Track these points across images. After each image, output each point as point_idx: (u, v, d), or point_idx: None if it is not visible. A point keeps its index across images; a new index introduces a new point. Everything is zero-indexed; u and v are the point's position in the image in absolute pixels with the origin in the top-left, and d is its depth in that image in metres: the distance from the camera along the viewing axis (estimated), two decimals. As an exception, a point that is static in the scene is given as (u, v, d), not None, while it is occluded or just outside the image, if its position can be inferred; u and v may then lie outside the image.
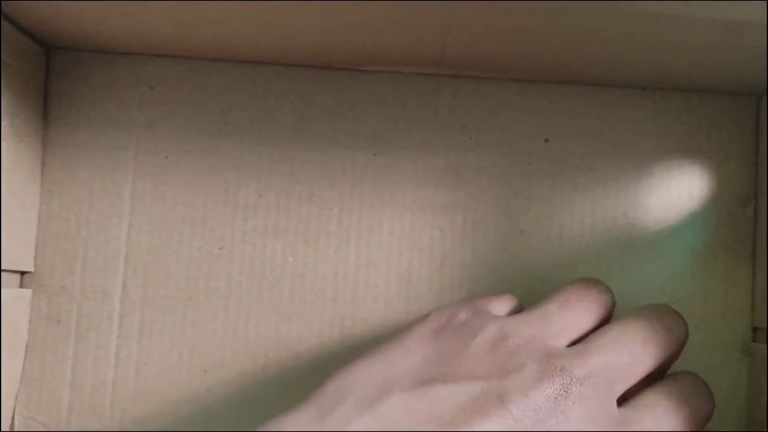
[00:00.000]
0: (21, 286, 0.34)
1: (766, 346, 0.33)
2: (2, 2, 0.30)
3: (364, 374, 0.25)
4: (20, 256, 0.33)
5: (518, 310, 0.30)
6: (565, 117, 0.35)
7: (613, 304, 0.30)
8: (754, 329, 0.34)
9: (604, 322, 0.29)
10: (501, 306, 0.30)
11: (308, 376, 0.34)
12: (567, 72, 0.34)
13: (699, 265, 0.35)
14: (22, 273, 0.34)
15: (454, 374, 0.25)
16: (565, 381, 0.24)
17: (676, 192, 0.35)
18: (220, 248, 0.35)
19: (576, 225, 0.35)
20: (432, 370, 0.25)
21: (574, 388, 0.24)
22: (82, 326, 0.34)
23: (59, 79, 0.35)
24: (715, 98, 0.35)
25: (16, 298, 0.33)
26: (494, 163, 0.35)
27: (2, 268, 0.32)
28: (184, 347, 0.34)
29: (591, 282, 0.30)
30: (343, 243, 0.35)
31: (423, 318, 0.28)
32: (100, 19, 0.31)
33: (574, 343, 0.27)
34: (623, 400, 0.27)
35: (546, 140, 0.35)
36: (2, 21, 0.31)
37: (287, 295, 0.34)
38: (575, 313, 0.28)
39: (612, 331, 0.27)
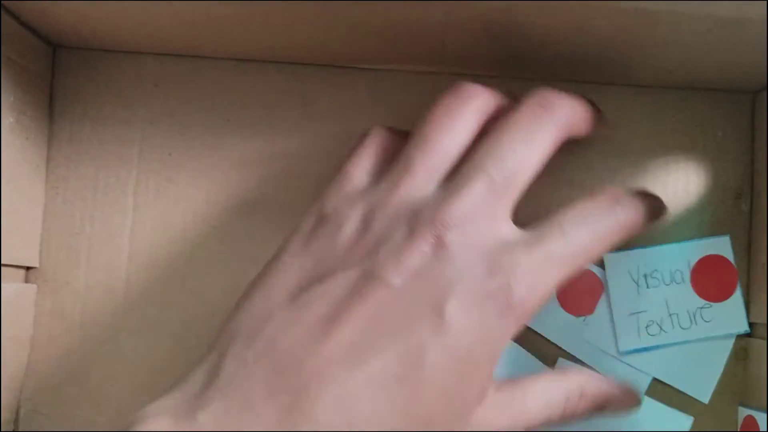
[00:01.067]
0: (26, 282, 0.34)
1: (765, 341, 0.33)
2: (9, 2, 0.30)
3: (248, 308, 0.25)
4: (25, 251, 0.34)
5: (391, 148, 0.28)
6: (562, 114, 0.36)
7: (489, 99, 0.27)
8: (751, 324, 0.35)
9: (491, 119, 0.27)
10: (365, 166, 0.28)
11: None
12: (563, 70, 0.35)
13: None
14: (27, 268, 0.35)
15: (329, 270, 0.24)
16: (437, 231, 0.23)
17: (672, 188, 0.36)
18: (223, 244, 0.35)
19: (573, 221, 0.35)
20: (308, 277, 0.24)
21: (449, 235, 0.23)
22: (87, 321, 0.35)
23: (65, 77, 0.35)
24: (710, 95, 0.36)
25: (21, 293, 0.34)
26: (493, 159, 0.36)
27: (8, 263, 0.32)
28: (186, 342, 0.35)
29: (449, 94, 0.27)
30: (343, 238, 0.35)
31: (297, 225, 0.27)
32: (105, 17, 0.32)
33: (450, 175, 0.26)
34: None
35: (544, 137, 0.36)
36: (9, 19, 0.32)
37: (289, 289, 0.35)
38: (439, 146, 0.26)
39: (482, 148, 0.25)
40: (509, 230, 0.25)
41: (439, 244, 0.23)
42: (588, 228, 0.26)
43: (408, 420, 0.22)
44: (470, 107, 0.27)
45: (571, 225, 0.26)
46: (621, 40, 0.31)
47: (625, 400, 0.28)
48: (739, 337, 0.35)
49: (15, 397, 0.34)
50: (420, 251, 0.23)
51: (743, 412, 0.34)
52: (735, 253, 0.35)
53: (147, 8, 0.30)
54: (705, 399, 0.34)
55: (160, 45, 0.35)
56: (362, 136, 0.30)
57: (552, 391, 0.26)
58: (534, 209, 0.35)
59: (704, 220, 0.35)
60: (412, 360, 0.22)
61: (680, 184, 0.36)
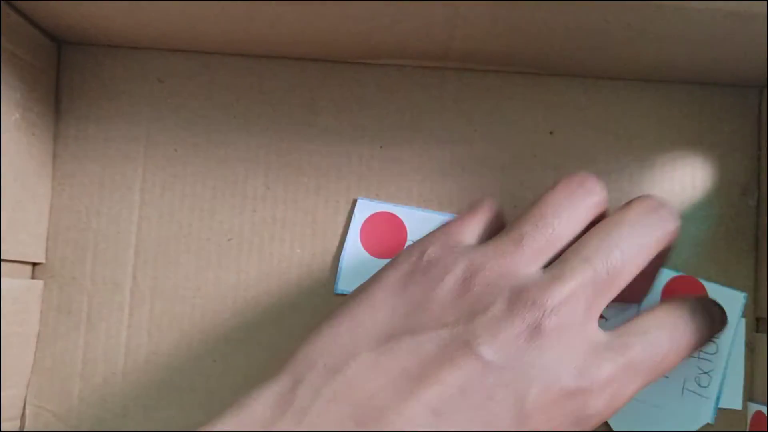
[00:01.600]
0: (32, 277, 0.34)
1: (768, 335, 0.33)
2: (15, -3, 0.30)
3: (332, 336, 0.24)
4: (32, 247, 0.34)
5: (496, 222, 0.28)
6: (569, 110, 0.36)
7: (605, 200, 0.27)
8: (757, 319, 0.35)
9: (597, 220, 0.27)
10: (475, 227, 0.28)
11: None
12: (571, 65, 0.35)
13: (702, 255, 0.35)
14: (34, 264, 0.35)
15: (422, 324, 0.23)
16: (536, 315, 0.23)
17: (679, 183, 0.36)
18: (229, 239, 0.35)
19: (580, 216, 0.35)
20: (399, 323, 0.24)
21: (548, 321, 0.23)
22: (93, 317, 0.35)
23: (70, 74, 0.35)
24: (718, 90, 0.36)
25: (28, 288, 0.34)
26: (499, 155, 0.36)
27: (14, 259, 0.32)
28: (193, 337, 0.35)
29: (574, 183, 0.27)
30: (350, 234, 0.35)
31: (394, 261, 0.27)
32: (110, 14, 0.32)
33: (553, 260, 0.25)
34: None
35: (550, 133, 0.36)
36: (15, 16, 0.31)
37: (295, 285, 0.35)
38: (552, 231, 0.25)
39: (588, 246, 0.25)
40: (598, 330, 0.25)
41: (536, 329, 0.23)
42: (670, 336, 0.26)
43: None
44: (590, 201, 0.27)
45: (657, 334, 0.25)
46: (628, 35, 0.31)
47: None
48: (748, 332, 0.34)
49: (21, 394, 0.34)
50: (516, 331, 0.23)
51: (752, 407, 0.33)
52: (742, 248, 0.35)
53: (152, 4, 0.30)
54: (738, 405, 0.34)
55: (165, 41, 0.35)
56: (473, 203, 0.29)
57: None
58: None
59: (711, 214, 0.35)
60: None
61: (687, 178, 0.36)
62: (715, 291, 0.34)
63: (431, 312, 0.24)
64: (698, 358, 0.33)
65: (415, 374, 0.22)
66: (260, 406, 0.22)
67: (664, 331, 0.25)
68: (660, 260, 0.27)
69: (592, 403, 0.23)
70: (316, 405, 0.22)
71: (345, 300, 0.26)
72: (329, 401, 0.22)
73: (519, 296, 0.23)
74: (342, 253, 0.35)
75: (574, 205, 0.26)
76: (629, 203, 0.27)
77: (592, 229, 0.26)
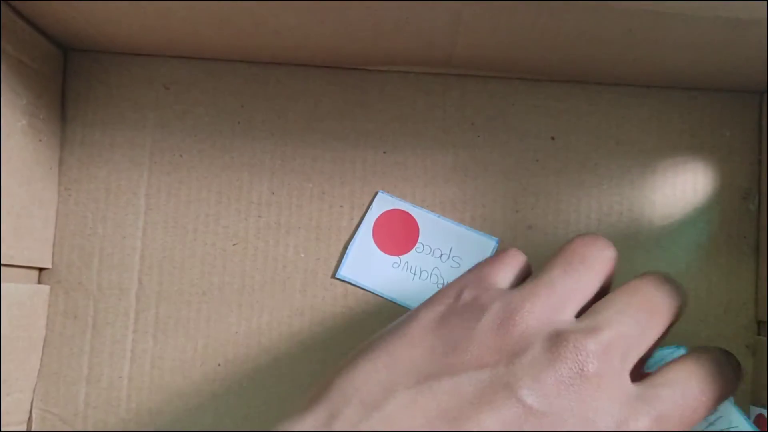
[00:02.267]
0: (39, 282, 0.35)
1: (770, 338, 0.33)
2: (22, 5, 0.31)
3: (369, 371, 0.24)
4: (38, 252, 0.34)
5: (525, 270, 0.29)
6: (570, 115, 0.36)
7: (616, 258, 0.28)
8: (759, 323, 0.35)
9: (609, 278, 0.27)
10: (507, 272, 0.28)
11: (320, 370, 0.35)
12: (573, 71, 0.35)
13: (703, 259, 0.35)
14: (40, 269, 0.35)
15: (461, 364, 0.23)
16: (580, 359, 0.23)
17: (680, 188, 0.36)
18: (234, 245, 0.35)
19: (582, 220, 0.35)
20: (437, 362, 0.23)
21: (590, 366, 0.23)
22: (99, 321, 0.35)
23: (76, 80, 0.36)
24: (719, 96, 0.36)
25: (34, 294, 0.34)
26: (502, 160, 0.36)
27: (21, 264, 0.33)
28: (198, 342, 0.35)
29: (590, 239, 0.27)
30: (353, 239, 0.35)
31: (429, 301, 0.27)
32: (116, 21, 0.32)
33: (581, 311, 0.26)
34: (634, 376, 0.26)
35: (552, 138, 0.36)
36: (22, 23, 0.32)
37: (299, 290, 0.35)
38: (579, 276, 0.26)
39: (619, 302, 0.26)
40: (630, 382, 0.25)
41: (578, 374, 0.23)
42: (700, 389, 0.25)
43: None
44: (608, 254, 0.27)
45: (689, 385, 0.25)
46: (629, 41, 0.31)
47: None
48: (749, 336, 0.35)
49: (27, 398, 0.34)
50: (558, 375, 0.23)
51: (754, 411, 0.34)
52: (742, 252, 0.35)
53: (157, 11, 0.30)
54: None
55: (171, 48, 0.35)
56: (501, 251, 0.30)
57: None
58: (542, 209, 0.36)
59: (712, 219, 0.36)
60: None
61: (688, 183, 0.36)
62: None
63: (470, 351, 0.24)
64: None
65: (454, 415, 0.22)
66: None
67: (695, 383, 0.25)
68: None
69: None
70: None
71: (381, 335, 0.26)
72: None
73: (559, 339, 0.23)
74: (351, 242, 0.35)
75: (594, 256, 0.27)
76: (642, 276, 0.28)
77: (617, 290, 0.27)
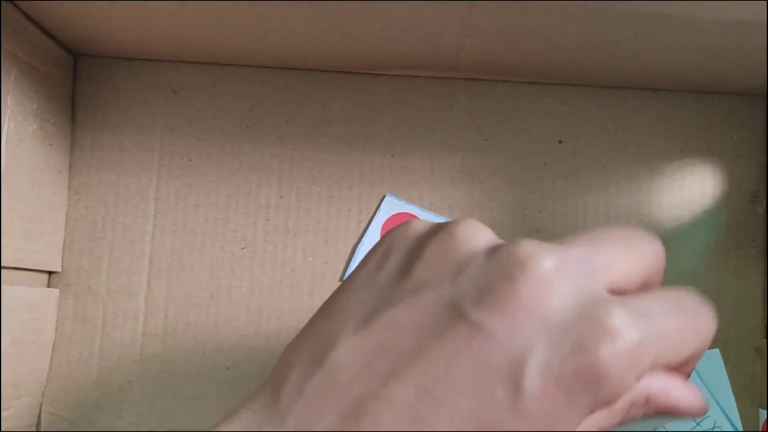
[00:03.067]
0: (48, 286, 0.35)
1: (778, 341, 0.33)
2: (34, 11, 0.31)
3: (311, 332, 0.22)
4: (48, 256, 0.34)
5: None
6: (578, 119, 0.36)
7: (661, 254, 0.23)
8: (767, 326, 0.35)
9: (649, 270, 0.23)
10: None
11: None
12: (579, 74, 0.35)
13: (711, 262, 0.35)
14: (50, 273, 0.35)
15: (401, 292, 0.20)
16: (536, 268, 0.19)
17: (688, 191, 0.36)
18: (242, 248, 0.35)
19: (589, 224, 0.36)
20: (380, 299, 0.21)
21: (553, 277, 0.19)
22: (108, 325, 0.35)
23: (86, 85, 0.36)
24: (725, 99, 0.36)
25: (44, 297, 0.34)
26: (509, 164, 0.36)
27: (31, 268, 0.33)
28: (206, 345, 0.35)
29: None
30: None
31: (373, 246, 0.24)
32: (125, 27, 0.32)
33: None
34: None
35: (560, 141, 0.36)
36: (33, 29, 0.32)
37: (307, 293, 0.35)
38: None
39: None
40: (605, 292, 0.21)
41: (534, 282, 0.19)
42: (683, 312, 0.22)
43: None
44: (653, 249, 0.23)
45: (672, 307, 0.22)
46: (636, 45, 0.31)
47: (691, 409, 0.23)
48: (757, 338, 0.35)
49: (37, 401, 0.34)
50: (509, 286, 0.19)
51: (763, 414, 0.34)
52: (750, 255, 0.35)
53: (166, 17, 0.31)
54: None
55: (179, 53, 0.35)
56: None
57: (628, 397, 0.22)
58: (550, 213, 0.36)
59: (720, 222, 0.36)
60: (485, 425, 0.19)
61: (696, 186, 0.36)
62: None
63: (411, 279, 0.21)
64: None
65: (396, 351, 0.19)
66: (248, 412, 0.21)
67: (678, 308, 0.21)
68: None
69: (600, 378, 0.19)
70: (300, 403, 0.20)
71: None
72: (312, 397, 0.20)
73: (504, 248, 0.20)
74: (359, 245, 0.35)
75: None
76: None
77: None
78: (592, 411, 0.19)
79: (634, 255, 0.22)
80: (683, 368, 0.22)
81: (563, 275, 0.19)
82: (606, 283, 0.21)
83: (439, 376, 0.19)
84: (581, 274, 0.20)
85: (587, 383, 0.19)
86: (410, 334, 0.19)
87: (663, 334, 0.20)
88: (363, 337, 0.20)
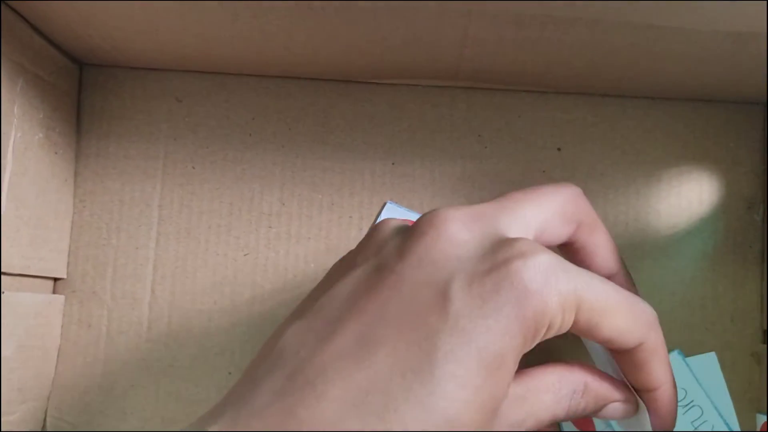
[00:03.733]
0: (54, 292, 0.35)
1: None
2: (39, 21, 0.31)
3: (271, 335, 0.24)
4: (53, 263, 0.35)
5: None
6: (576, 126, 0.37)
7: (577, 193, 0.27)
8: (764, 331, 0.35)
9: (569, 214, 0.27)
10: None
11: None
12: (578, 83, 0.36)
13: (709, 268, 0.36)
14: (55, 279, 0.35)
15: (338, 276, 0.23)
16: (437, 222, 0.23)
17: (686, 198, 0.36)
18: (245, 255, 0.36)
19: (589, 230, 0.36)
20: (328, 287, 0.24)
21: (452, 225, 0.23)
22: (113, 330, 0.35)
23: (91, 94, 0.37)
24: (722, 107, 0.37)
25: (49, 303, 0.34)
26: (509, 171, 0.36)
27: (37, 274, 0.33)
28: (209, 350, 0.35)
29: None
30: (363, 249, 0.36)
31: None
32: (130, 36, 0.33)
33: None
34: None
35: (558, 149, 0.37)
36: (38, 39, 0.33)
37: (309, 299, 0.36)
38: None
39: None
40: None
41: (442, 232, 0.22)
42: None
43: (427, 416, 0.20)
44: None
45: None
46: (633, 54, 0.31)
47: (625, 403, 0.26)
48: (755, 344, 0.35)
49: (42, 406, 0.35)
50: (422, 239, 0.22)
51: (761, 418, 0.34)
52: (748, 261, 0.36)
53: (171, 28, 0.31)
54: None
55: (183, 62, 0.36)
56: None
57: (561, 384, 0.24)
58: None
59: (717, 229, 0.36)
60: (424, 350, 0.20)
61: (693, 194, 0.36)
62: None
63: (346, 264, 0.24)
64: (684, 414, 0.33)
65: (335, 315, 0.22)
66: (217, 408, 0.22)
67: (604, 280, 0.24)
68: None
69: (522, 276, 0.21)
70: (250, 384, 0.21)
71: None
72: (262, 375, 0.21)
73: (422, 216, 0.24)
74: None
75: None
76: None
77: None
78: (530, 337, 0.21)
79: (541, 203, 0.25)
80: (633, 361, 0.25)
81: (470, 224, 0.23)
82: (518, 229, 0.24)
83: (375, 322, 0.21)
84: (489, 223, 0.23)
85: (509, 295, 0.21)
86: (346, 298, 0.22)
87: (586, 280, 0.22)
88: (306, 318, 0.22)
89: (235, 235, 0.36)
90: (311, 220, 0.36)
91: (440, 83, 0.37)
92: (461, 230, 0.23)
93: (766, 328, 0.35)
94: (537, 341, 0.22)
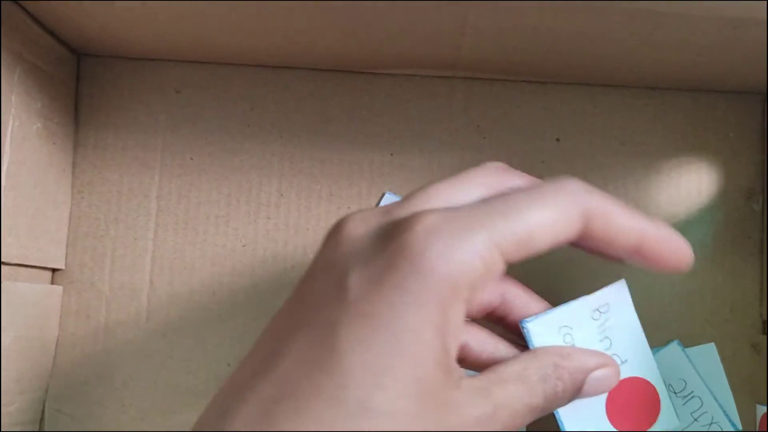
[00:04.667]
0: (52, 283, 0.35)
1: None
2: (37, 10, 0.31)
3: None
4: (52, 254, 0.35)
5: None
6: (575, 117, 0.37)
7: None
8: (764, 322, 0.35)
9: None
10: None
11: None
12: (577, 73, 0.36)
13: (708, 259, 0.36)
14: (54, 270, 0.35)
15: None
16: (338, 225, 0.23)
17: (685, 188, 0.36)
18: (243, 246, 0.36)
19: (588, 221, 0.36)
20: None
21: (349, 223, 0.23)
22: (111, 322, 0.35)
23: (89, 84, 0.36)
24: (722, 97, 0.37)
25: (48, 294, 0.34)
26: (507, 161, 0.36)
27: (35, 265, 0.33)
28: (208, 341, 0.35)
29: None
30: (361, 240, 0.36)
31: None
32: (128, 26, 0.33)
33: None
34: None
35: (557, 140, 0.36)
36: (36, 28, 0.33)
37: (308, 290, 0.35)
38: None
39: None
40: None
41: (339, 233, 0.23)
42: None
43: (341, 409, 0.19)
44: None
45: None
46: (633, 43, 0.31)
47: (605, 367, 0.25)
48: (755, 335, 0.35)
49: (40, 397, 0.34)
50: (324, 248, 0.23)
51: (761, 409, 0.34)
52: (747, 252, 0.36)
53: (169, 17, 0.31)
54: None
55: (182, 52, 0.36)
56: None
57: (528, 371, 0.23)
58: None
59: (716, 219, 0.36)
60: (328, 345, 0.20)
61: (692, 184, 0.36)
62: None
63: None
64: (683, 405, 0.33)
65: (258, 341, 0.23)
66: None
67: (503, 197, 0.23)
68: None
69: (413, 250, 0.20)
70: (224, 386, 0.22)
71: None
72: (235, 372, 0.22)
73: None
74: None
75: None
76: None
77: None
78: (449, 303, 0.21)
79: (453, 183, 0.24)
80: (594, 238, 0.23)
81: (369, 219, 0.23)
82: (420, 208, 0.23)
83: (283, 335, 0.21)
84: (388, 212, 0.23)
85: (405, 268, 0.20)
86: (270, 322, 0.23)
87: (482, 219, 0.21)
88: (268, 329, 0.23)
89: (234, 226, 0.36)
90: (310, 211, 0.36)
91: (439, 73, 0.37)
92: (358, 226, 0.23)
93: (765, 318, 0.35)
94: (472, 301, 0.21)
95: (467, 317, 0.24)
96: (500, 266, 0.21)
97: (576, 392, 0.25)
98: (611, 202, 0.24)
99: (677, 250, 0.25)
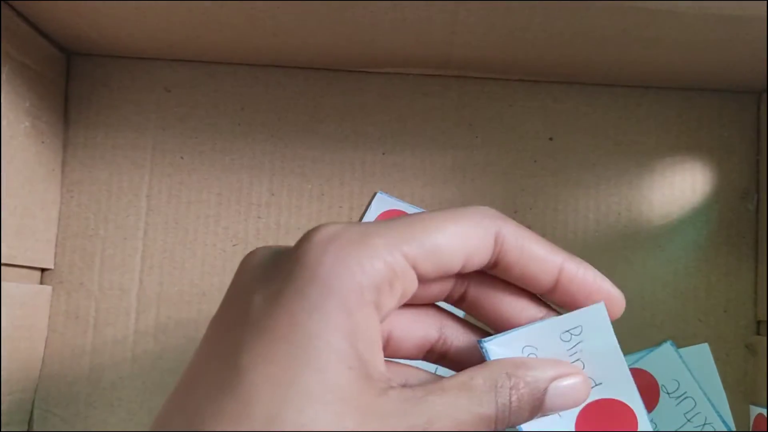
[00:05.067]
0: (41, 283, 0.35)
1: (769, 338, 0.33)
2: (26, 9, 0.31)
3: None
4: (41, 253, 0.34)
5: None
6: (568, 116, 0.36)
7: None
8: (758, 322, 0.35)
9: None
10: None
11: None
12: (570, 72, 0.35)
13: (702, 259, 0.35)
14: (43, 270, 0.35)
15: None
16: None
17: (679, 187, 0.36)
18: (234, 245, 0.36)
19: (580, 220, 0.36)
20: None
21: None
22: (100, 322, 0.35)
23: (79, 83, 0.36)
24: (717, 96, 0.36)
25: (36, 294, 0.34)
26: (500, 160, 0.36)
27: (24, 264, 0.33)
28: (197, 341, 0.35)
29: None
30: (353, 240, 0.36)
31: None
32: (118, 25, 0.32)
33: None
34: None
35: (550, 138, 0.36)
36: (25, 27, 0.32)
37: (299, 290, 0.35)
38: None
39: None
40: None
41: (247, 260, 0.22)
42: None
43: (245, 426, 0.19)
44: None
45: None
46: (626, 40, 0.31)
47: (570, 377, 0.23)
48: (749, 335, 0.35)
49: (29, 398, 0.34)
50: (235, 277, 0.22)
51: (754, 410, 0.34)
52: (741, 251, 0.35)
53: (158, 15, 0.31)
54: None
55: (172, 51, 0.35)
56: None
57: (476, 380, 0.22)
58: (541, 210, 0.36)
59: (711, 218, 0.36)
60: (231, 365, 0.20)
61: (686, 183, 0.36)
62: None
63: None
64: (676, 405, 0.33)
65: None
66: None
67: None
68: None
69: (300, 254, 0.20)
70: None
71: None
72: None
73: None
74: None
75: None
76: None
77: None
78: (355, 309, 0.20)
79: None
80: (505, 269, 0.22)
81: (267, 248, 0.22)
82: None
83: (194, 368, 0.20)
84: (283, 246, 0.22)
85: (305, 278, 0.20)
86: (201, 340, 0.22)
87: (391, 226, 0.21)
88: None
89: (224, 226, 0.36)
90: (301, 210, 0.36)
91: (431, 72, 0.36)
92: (262, 253, 0.22)
93: (759, 319, 0.35)
94: (383, 307, 0.20)
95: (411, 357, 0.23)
96: (410, 274, 0.21)
97: (537, 405, 0.23)
98: (528, 232, 0.23)
99: (600, 295, 0.23)
